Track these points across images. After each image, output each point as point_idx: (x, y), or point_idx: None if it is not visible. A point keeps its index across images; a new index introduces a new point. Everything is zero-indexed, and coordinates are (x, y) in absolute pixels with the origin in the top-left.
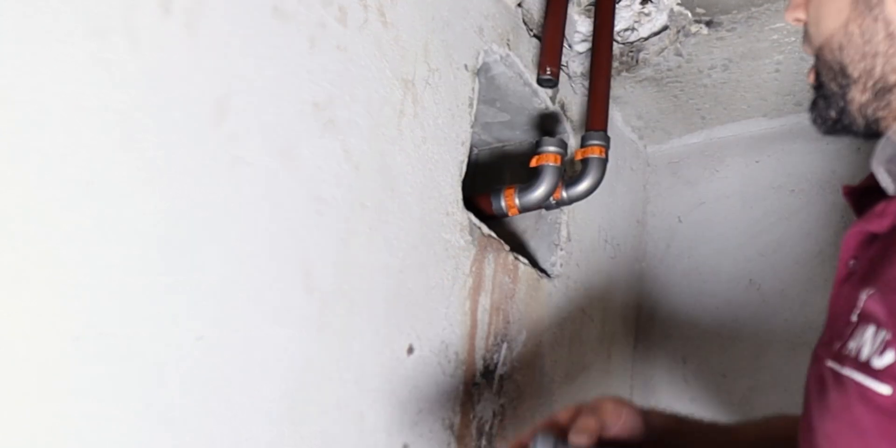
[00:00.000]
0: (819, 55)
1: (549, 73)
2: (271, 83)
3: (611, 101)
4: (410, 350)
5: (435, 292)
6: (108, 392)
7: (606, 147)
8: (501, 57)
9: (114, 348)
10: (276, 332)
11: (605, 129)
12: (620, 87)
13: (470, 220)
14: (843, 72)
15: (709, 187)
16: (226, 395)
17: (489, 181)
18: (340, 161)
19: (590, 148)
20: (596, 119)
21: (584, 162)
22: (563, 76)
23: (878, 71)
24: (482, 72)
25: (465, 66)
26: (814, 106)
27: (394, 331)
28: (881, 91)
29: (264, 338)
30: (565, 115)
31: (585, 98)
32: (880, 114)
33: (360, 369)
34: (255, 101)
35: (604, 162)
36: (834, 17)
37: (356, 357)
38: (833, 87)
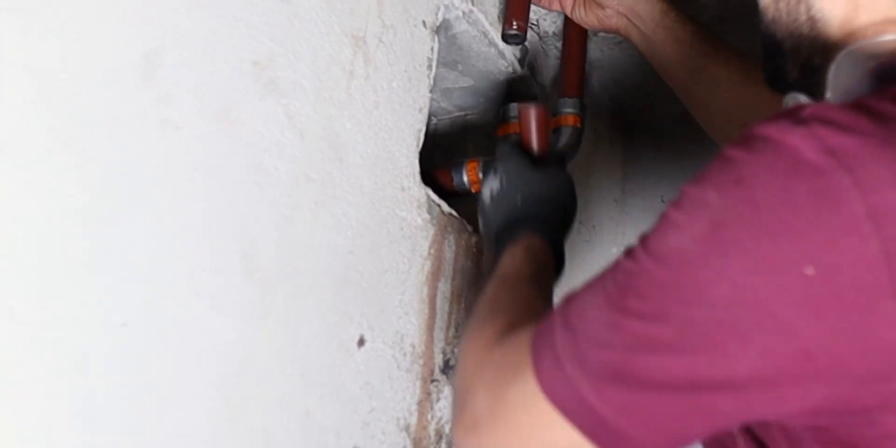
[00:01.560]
0: (762, 20)
1: (515, 27)
2: (205, 37)
3: (587, 64)
4: (361, 341)
5: (389, 277)
6: (23, 385)
7: (583, 116)
8: (464, 13)
9: (28, 336)
10: (212, 319)
11: (581, 96)
12: (598, 49)
13: (428, 197)
14: (777, 45)
15: (696, 163)
16: (155, 389)
17: (450, 154)
18: (283, 127)
19: (563, 117)
20: (570, 84)
21: (557, 132)
22: (532, 36)
23: (803, 51)
24: (442, 30)
25: (424, 23)
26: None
27: (343, 319)
28: (808, 71)
29: (198, 325)
30: (535, 80)
31: (558, 61)
32: (811, 91)
33: (306, 362)
34: (187, 58)
35: (579, 133)
36: None
37: (301, 348)
38: (776, 55)
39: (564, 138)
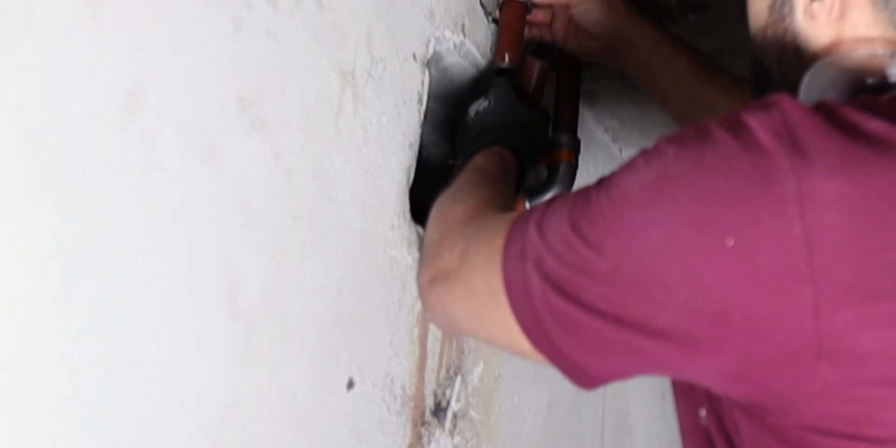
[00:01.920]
0: (752, 47)
1: (507, 60)
2: (190, 74)
3: (581, 97)
4: (350, 384)
5: (378, 317)
6: (5, 431)
7: (576, 151)
8: (455, 45)
9: (9, 381)
10: (196, 364)
11: (574, 131)
12: (592, 81)
13: (419, 235)
14: (765, 72)
15: None
16: (140, 435)
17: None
18: (270, 165)
19: (557, 152)
20: (564, 118)
21: (551, 168)
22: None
23: (791, 80)
24: (433, 62)
25: (414, 56)
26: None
27: (331, 362)
28: (793, 91)
29: (182, 369)
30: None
31: (552, 93)
32: None
33: (293, 406)
34: (171, 95)
35: (573, 168)
36: (756, 18)
37: (288, 392)
38: (765, 83)
39: (558, 174)
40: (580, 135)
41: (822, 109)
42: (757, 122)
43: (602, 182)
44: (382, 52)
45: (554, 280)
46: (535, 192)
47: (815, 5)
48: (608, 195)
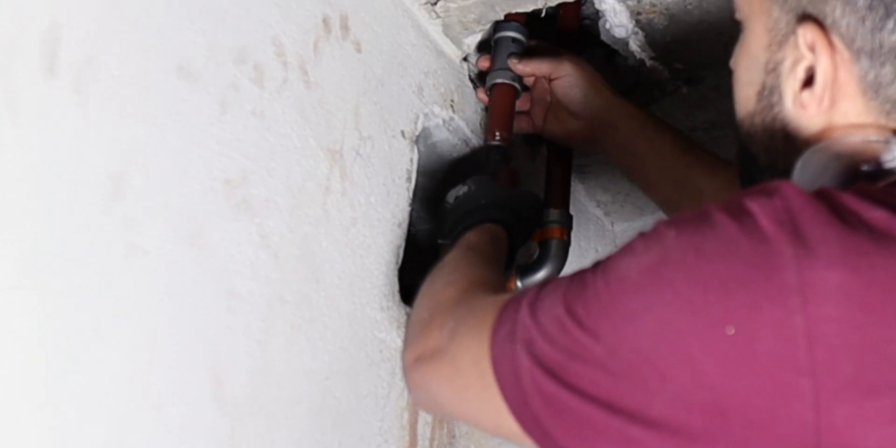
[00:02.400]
0: (738, 132)
1: (498, 138)
2: (175, 156)
3: (573, 171)
4: None
5: (367, 403)
6: None
7: (568, 227)
8: (444, 121)
9: None
10: None
11: (566, 206)
12: (583, 155)
13: (408, 316)
14: (752, 158)
15: None
16: None
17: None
18: (256, 248)
19: (548, 228)
20: (555, 194)
21: (542, 245)
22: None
23: (780, 167)
24: (422, 138)
25: (402, 133)
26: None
27: None
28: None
29: None
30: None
31: (543, 168)
32: None
33: None
34: (155, 178)
35: (565, 245)
36: (743, 104)
37: None
38: (752, 170)
39: (550, 252)
40: (571, 210)
41: (824, 197)
42: (759, 208)
43: (598, 265)
44: (371, 129)
45: (544, 363)
46: (526, 271)
47: (805, 95)
48: (605, 278)
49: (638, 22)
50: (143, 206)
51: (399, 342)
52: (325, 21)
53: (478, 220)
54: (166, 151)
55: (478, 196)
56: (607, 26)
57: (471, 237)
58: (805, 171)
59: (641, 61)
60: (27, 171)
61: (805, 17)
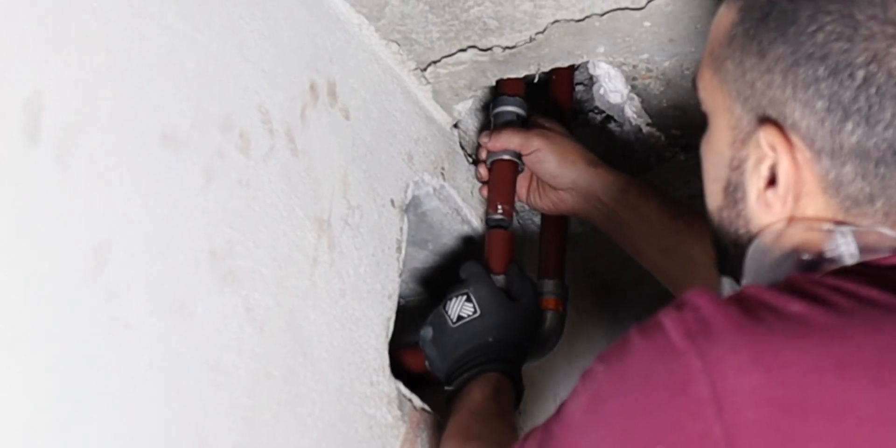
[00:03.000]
0: (710, 223)
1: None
2: (159, 227)
3: (568, 239)
4: None
5: None
6: None
7: (564, 299)
8: (435, 189)
9: None
10: None
11: (561, 277)
12: (579, 223)
13: (399, 391)
14: (724, 250)
15: None
16: None
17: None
18: (242, 321)
19: (544, 300)
20: (550, 265)
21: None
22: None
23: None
24: (411, 207)
25: (392, 202)
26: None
27: None
28: None
29: None
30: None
31: (537, 237)
32: None
33: None
34: (139, 249)
35: (561, 318)
36: (712, 198)
37: None
38: (725, 259)
39: (546, 324)
40: (568, 281)
41: (738, 300)
42: (670, 322)
43: (558, 410)
44: (359, 198)
45: None
46: None
47: (769, 194)
48: (559, 424)
49: (633, 87)
50: (126, 278)
51: (389, 418)
52: (313, 87)
53: (479, 370)
54: (150, 221)
55: (484, 327)
56: (601, 92)
57: (475, 395)
58: (752, 266)
59: (637, 127)
60: (7, 242)
61: (765, 119)
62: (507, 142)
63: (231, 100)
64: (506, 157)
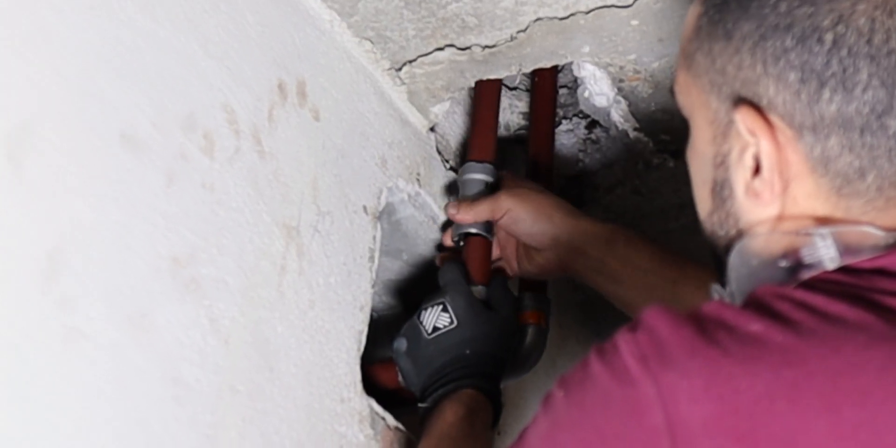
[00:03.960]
0: (704, 234)
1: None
2: (118, 232)
3: None
4: None
5: None
6: None
7: (546, 313)
8: (410, 196)
9: None
10: None
11: (544, 291)
12: None
13: (371, 409)
14: (719, 259)
15: None
16: None
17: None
18: (205, 333)
19: (524, 314)
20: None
21: (518, 332)
22: None
23: None
24: (385, 215)
25: (365, 209)
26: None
27: None
28: None
29: None
30: None
31: None
32: None
33: None
34: (96, 256)
35: (543, 334)
36: (703, 205)
37: None
38: (720, 269)
39: (527, 339)
40: (550, 294)
41: (696, 319)
42: (625, 345)
43: (519, 435)
44: (330, 204)
45: None
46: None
47: (756, 183)
48: None
49: (620, 90)
50: (82, 286)
51: (361, 437)
52: (281, 86)
53: (454, 387)
54: (108, 227)
55: (461, 339)
56: (586, 95)
57: (448, 417)
58: (734, 275)
59: (624, 132)
60: None
61: (740, 102)
62: (477, 214)
63: (194, 98)
64: (473, 230)
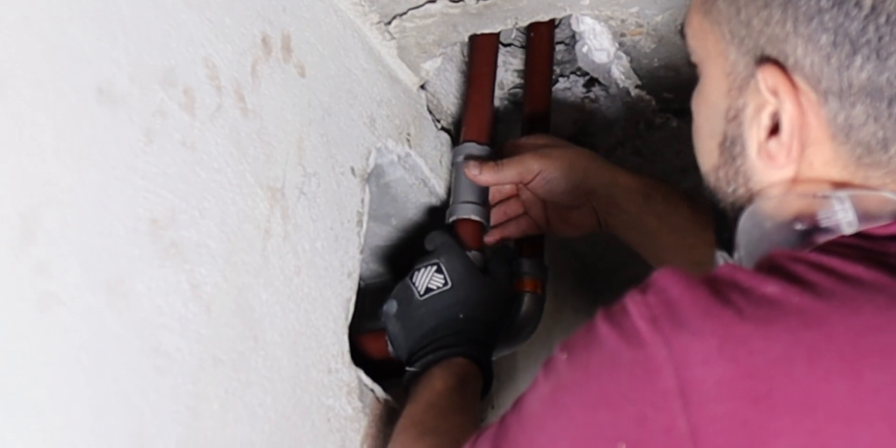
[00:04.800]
0: (705, 188)
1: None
2: (94, 193)
3: None
4: None
5: None
6: None
7: (543, 280)
8: (400, 157)
9: None
10: None
11: (541, 257)
12: None
13: (360, 380)
14: (722, 214)
15: None
16: None
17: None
18: (186, 299)
19: (520, 281)
20: (527, 242)
21: (514, 300)
22: None
23: None
24: (373, 177)
25: (352, 170)
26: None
27: None
28: None
29: None
30: None
31: None
32: None
33: None
34: (71, 218)
35: (539, 302)
36: (707, 158)
37: None
38: (723, 227)
39: (522, 308)
40: (546, 262)
41: (709, 281)
42: (634, 307)
43: (515, 401)
44: (316, 165)
45: None
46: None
47: (772, 144)
48: (517, 416)
49: (622, 45)
50: (57, 250)
51: (349, 410)
52: (265, 41)
53: (445, 354)
54: (84, 187)
55: (455, 301)
56: (585, 50)
57: (437, 383)
58: (744, 238)
59: (625, 90)
60: None
61: (764, 59)
62: (502, 176)
63: (174, 52)
64: (469, 216)
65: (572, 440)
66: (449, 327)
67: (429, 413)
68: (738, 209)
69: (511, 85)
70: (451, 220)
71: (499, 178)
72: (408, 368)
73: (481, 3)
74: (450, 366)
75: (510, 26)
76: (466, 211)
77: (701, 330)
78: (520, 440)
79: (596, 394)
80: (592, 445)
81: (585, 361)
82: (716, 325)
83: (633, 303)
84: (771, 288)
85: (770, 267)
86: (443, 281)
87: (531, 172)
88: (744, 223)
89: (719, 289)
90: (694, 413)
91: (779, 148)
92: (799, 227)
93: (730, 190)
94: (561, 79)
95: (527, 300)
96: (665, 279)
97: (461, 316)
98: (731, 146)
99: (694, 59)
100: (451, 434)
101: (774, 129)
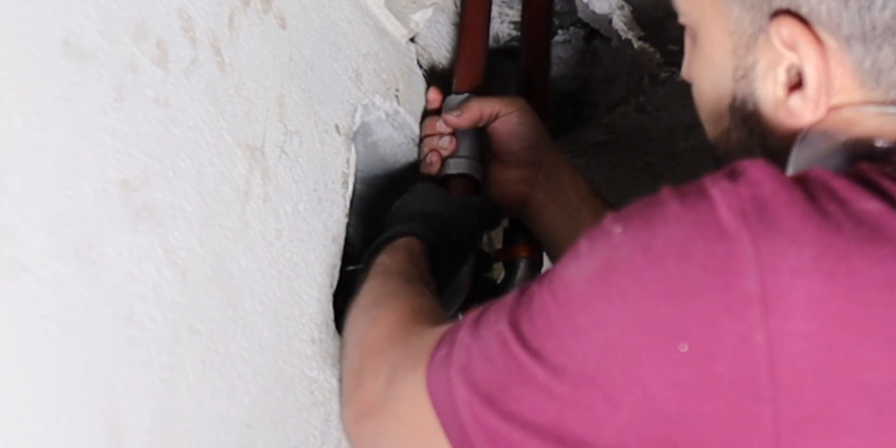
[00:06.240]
0: (714, 156)
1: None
2: (62, 153)
3: None
4: None
5: None
6: None
7: (538, 245)
8: (388, 114)
9: None
10: None
11: None
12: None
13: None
14: None
15: None
16: None
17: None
18: (160, 266)
19: (515, 247)
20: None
21: (509, 266)
22: None
23: None
24: (360, 136)
25: (337, 128)
26: None
27: None
28: None
29: None
30: None
31: None
32: None
33: None
34: (37, 179)
35: (536, 266)
36: (715, 123)
37: None
38: None
39: (517, 274)
40: None
41: (804, 182)
42: (721, 195)
43: (546, 274)
44: (298, 122)
45: (483, 389)
46: (487, 297)
47: (794, 100)
48: (550, 290)
49: None
50: (23, 214)
51: (334, 382)
52: None
53: (387, 238)
54: (51, 147)
55: (403, 207)
56: (586, 0)
57: (384, 259)
58: (801, 155)
59: (628, 42)
60: None
61: (776, 12)
62: (480, 108)
63: (146, 3)
64: (462, 171)
65: (624, 329)
66: (389, 225)
67: (381, 291)
68: None
69: (507, 38)
70: (443, 174)
71: (477, 109)
72: (349, 268)
73: None
74: (391, 246)
75: None
76: (459, 166)
77: (797, 235)
78: (552, 317)
79: (660, 281)
80: (646, 338)
81: (647, 241)
82: (814, 234)
83: (719, 190)
84: (870, 204)
85: (863, 181)
86: (400, 200)
87: (513, 105)
88: (804, 142)
89: (814, 194)
90: (774, 326)
91: (804, 103)
92: (881, 144)
93: (745, 153)
94: (560, 31)
95: (522, 266)
96: (758, 172)
97: (405, 214)
98: (741, 107)
99: (683, 20)
100: (415, 299)
101: (797, 85)
